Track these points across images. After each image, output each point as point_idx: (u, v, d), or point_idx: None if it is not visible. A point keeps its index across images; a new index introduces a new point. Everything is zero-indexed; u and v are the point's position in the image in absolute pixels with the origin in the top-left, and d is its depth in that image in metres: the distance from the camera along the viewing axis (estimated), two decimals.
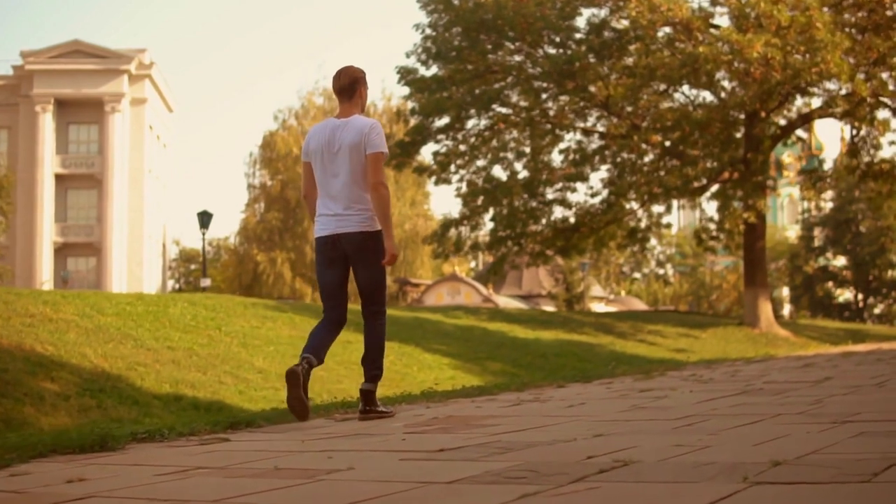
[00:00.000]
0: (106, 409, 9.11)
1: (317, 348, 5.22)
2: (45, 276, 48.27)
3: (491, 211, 25.46)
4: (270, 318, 14.77)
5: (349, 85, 5.31)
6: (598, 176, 25.91)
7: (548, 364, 15.35)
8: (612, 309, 42.70)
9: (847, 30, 21.87)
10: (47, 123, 49.43)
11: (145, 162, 51.36)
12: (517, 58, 24.82)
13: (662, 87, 24.05)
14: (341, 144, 5.18)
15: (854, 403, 4.92)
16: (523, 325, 19.66)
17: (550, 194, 25.44)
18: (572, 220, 25.86)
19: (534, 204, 25.25)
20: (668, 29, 22.76)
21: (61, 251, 50.04)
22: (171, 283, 62.08)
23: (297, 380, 4.95)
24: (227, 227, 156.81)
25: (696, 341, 21.83)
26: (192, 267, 67.06)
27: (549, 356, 16.11)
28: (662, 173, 24.25)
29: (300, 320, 15.07)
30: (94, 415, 8.88)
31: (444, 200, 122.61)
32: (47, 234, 49.37)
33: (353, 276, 5.34)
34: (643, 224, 27.18)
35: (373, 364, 5.34)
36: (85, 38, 55.84)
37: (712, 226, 26.02)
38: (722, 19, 23.39)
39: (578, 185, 25.51)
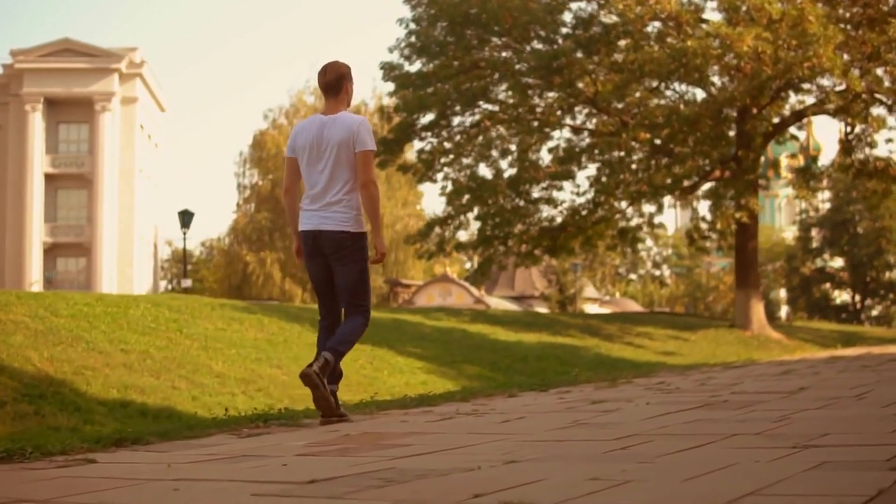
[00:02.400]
0: (44, 417, 8.64)
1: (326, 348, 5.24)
2: (35, 276, 47.66)
3: (476, 210, 24.83)
4: (237, 320, 14.14)
5: (335, 81, 5.27)
6: (586, 174, 25.25)
7: (528, 367, 14.73)
8: (605, 311, 42.07)
9: (841, 25, 21.27)
10: (37, 123, 48.88)
11: (136, 161, 50.74)
12: (503, 53, 24.20)
13: (654, 83, 23.46)
14: (329, 141, 5.16)
15: (824, 421, 4.30)
16: (506, 327, 18.98)
17: (536, 193, 24.81)
18: (559, 219, 25.22)
19: (520, 203, 24.60)
20: (657, 23, 22.18)
21: (51, 251, 49.49)
22: (163, 284, 61.47)
23: (312, 381, 4.92)
24: (220, 227, 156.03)
25: (686, 344, 21.19)
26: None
27: (529, 359, 15.49)
28: (653, 171, 23.64)
29: (269, 322, 14.46)
30: (31, 422, 8.40)
31: (437, 200, 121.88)
32: (37, 235, 48.78)
33: (333, 275, 5.30)
34: (634, 224, 26.54)
35: (340, 341, 5.15)
36: (75, 36, 55.15)
37: (704, 225, 25.45)
38: (712, 13, 22.85)
39: (565, 183, 24.89)
